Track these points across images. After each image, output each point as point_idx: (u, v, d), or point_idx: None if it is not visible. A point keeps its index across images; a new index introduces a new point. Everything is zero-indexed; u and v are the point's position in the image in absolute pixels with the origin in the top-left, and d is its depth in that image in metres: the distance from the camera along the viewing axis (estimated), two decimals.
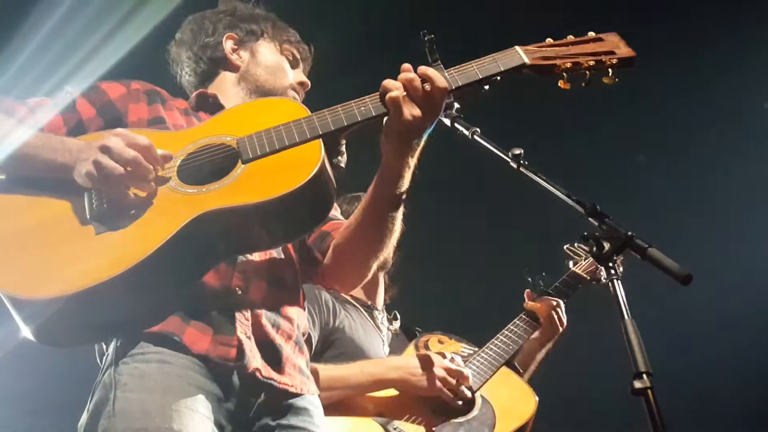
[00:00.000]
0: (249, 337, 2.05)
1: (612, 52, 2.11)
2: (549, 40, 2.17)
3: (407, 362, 2.95)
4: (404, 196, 2.20)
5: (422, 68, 2.07)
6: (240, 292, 2.10)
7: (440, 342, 3.25)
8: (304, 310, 2.36)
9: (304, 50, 2.66)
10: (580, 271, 3.59)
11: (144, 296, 1.90)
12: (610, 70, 2.10)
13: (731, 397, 5.32)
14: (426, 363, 2.93)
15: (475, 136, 2.16)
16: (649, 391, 1.58)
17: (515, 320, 3.28)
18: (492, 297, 4.63)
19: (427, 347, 3.19)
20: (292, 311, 2.24)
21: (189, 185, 1.98)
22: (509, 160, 2.10)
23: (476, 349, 3.18)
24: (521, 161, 2.07)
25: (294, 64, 2.62)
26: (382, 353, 3.12)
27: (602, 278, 3.69)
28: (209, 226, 1.90)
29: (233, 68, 2.57)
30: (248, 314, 2.08)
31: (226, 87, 2.54)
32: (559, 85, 2.12)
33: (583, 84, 2.12)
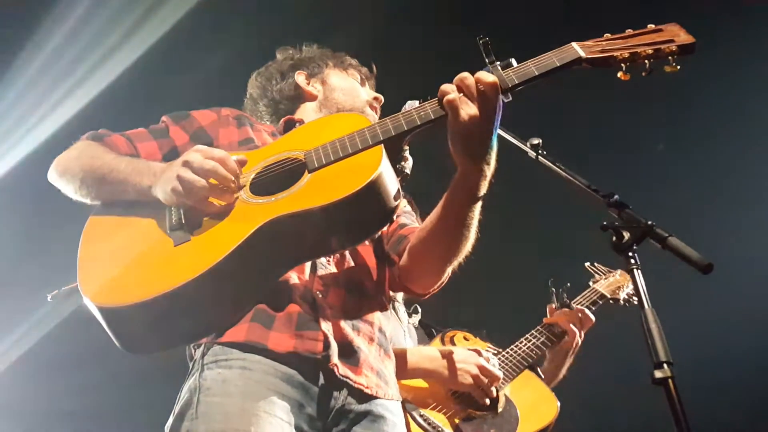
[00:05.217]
0: (331, 335, 2.12)
1: (671, 41, 2.09)
2: (607, 35, 2.17)
3: (442, 354, 2.96)
4: (479, 203, 2.20)
5: (477, 74, 2.10)
6: (320, 296, 2.18)
7: (465, 339, 3.28)
8: (387, 315, 2.41)
9: (367, 70, 2.85)
10: (600, 289, 3.65)
11: (220, 298, 1.99)
12: (670, 57, 2.08)
13: (752, 388, 5.16)
14: (462, 358, 2.94)
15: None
16: (670, 381, 1.54)
17: (538, 327, 3.34)
18: (517, 300, 4.63)
19: (452, 342, 3.22)
20: (373, 316, 2.31)
21: (260, 196, 2.08)
22: (528, 150, 2.09)
23: (500, 350, 3.21)
24: (540, 151, 2.05)
25: (362, 84, 2.81)
26: (403, 343, 3.12)
27: (621, 299, 3.69)
28: (278, 231, 1.99)
29: (311, 98, 2.75)
30: (329, 316, 2.16)
31: (309, 115, 2.68)
32: (619, 76, 2.10)
33: (644, 73, 2.09)
